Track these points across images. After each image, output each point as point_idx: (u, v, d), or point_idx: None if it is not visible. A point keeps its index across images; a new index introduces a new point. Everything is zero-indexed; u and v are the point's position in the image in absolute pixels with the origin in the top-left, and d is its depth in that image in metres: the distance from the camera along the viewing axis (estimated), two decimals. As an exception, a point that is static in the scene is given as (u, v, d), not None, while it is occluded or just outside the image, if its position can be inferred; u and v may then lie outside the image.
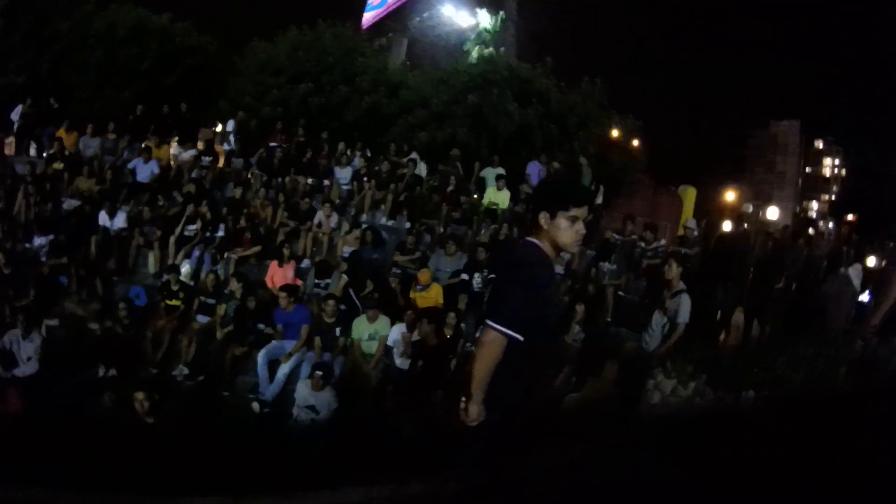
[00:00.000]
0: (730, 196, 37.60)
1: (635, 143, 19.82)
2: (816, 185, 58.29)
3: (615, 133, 18.35)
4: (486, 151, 14.90)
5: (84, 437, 5.62)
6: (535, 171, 14.08)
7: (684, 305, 7.11)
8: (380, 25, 20.21)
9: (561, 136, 15.86)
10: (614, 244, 11.21)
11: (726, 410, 6.27)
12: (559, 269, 10.80)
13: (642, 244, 11.32)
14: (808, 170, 58.77)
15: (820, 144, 59.65)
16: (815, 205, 55.96)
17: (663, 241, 11.90)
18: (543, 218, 2.83)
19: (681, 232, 13.26)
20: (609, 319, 9.55)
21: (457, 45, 21.41)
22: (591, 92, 17.16)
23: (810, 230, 16.49)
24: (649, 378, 6.58)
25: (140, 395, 6.28)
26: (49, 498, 4.21)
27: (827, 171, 59.67)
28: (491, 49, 20.15)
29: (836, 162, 59.07)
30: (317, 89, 15.92)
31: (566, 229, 2.80)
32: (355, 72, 16.46)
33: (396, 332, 8.82)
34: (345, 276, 10.09)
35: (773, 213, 37.52)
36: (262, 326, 8.99)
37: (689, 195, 20.01)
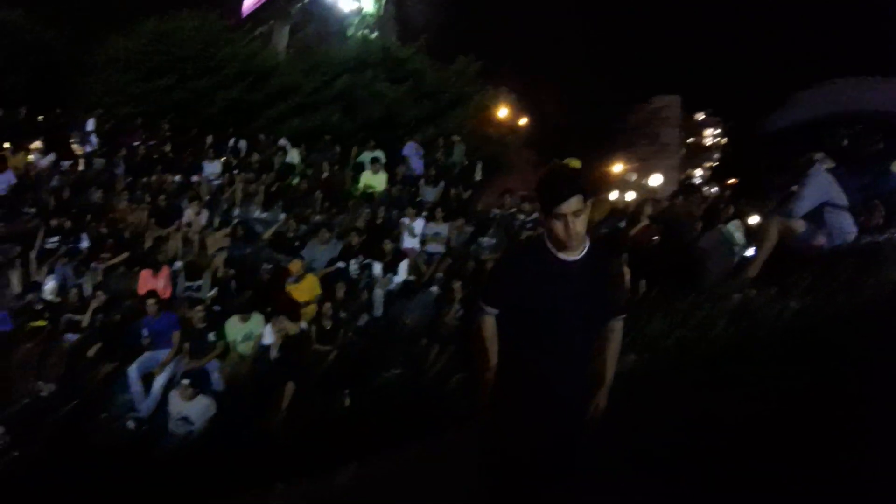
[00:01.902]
0: (617, 168, 39.33)
1: (518, 120, 20.30)
2: (698, 153, 61.83)
3: (493, 109, 18.71)
4: (361, 135, 14.96)
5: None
6: (411, 151, 14.25)
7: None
8: (260, 13, 19.73)
9: (434, 113, 16.06)
10: (492, 218, 11.57)
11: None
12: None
13: (521, 216, 11.72)
14: (689, 140, 62.10)
15: (701, 116, 63.02)
16: (699, 172, 59.38)
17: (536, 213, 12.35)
18: (542, 217, 2.99)
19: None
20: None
21: (340, 30, 21.18)
22: (466, 69, 17.37)
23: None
24: None
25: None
26: None
27: (708, 141, 63.25)
28: (375, 33, 20.08)
29: (717, 132, 62.64)
30: (177, 84, 15.41)
31: (556, 226, 2.84)
32: (220, 62, 16.01)
33: (269, 331, 8.84)
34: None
35: (655, 180, 39.59)
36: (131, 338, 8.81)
37: (573, 167, 20.76)
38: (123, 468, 6.35)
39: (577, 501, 3.13)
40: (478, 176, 14.42)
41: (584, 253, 2.95)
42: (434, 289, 10.08)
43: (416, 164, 14.14)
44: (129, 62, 15.93)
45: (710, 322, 6.81)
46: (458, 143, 14.02)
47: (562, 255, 2.94)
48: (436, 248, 11.29)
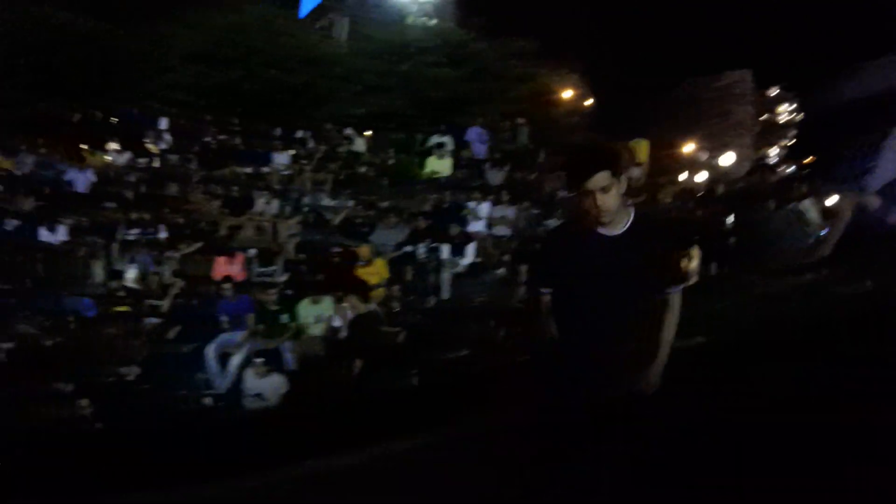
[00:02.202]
0: (687, 148, 38.08)
1: (582, 101, 20.06)
2: (772, 131, 58.89)
3: (556, 91, 18.53)
4: (424, 120, 15.04)
5: (39, 446, 5.78)
6: (475, 136, 14.25)
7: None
8: (321, 7, 20.05)
9: (497, 96, 16.03)
10: (558, 200, 11.48)
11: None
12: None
13: (629, 202, 11.57)
14: (763, 117, 59.30)
15: (774, 91, 60.19)
16: (773, 150, 56.37)
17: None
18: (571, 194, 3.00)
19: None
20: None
21: (398, 18, 21.34)
22: (527, 51, 17.25)
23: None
24: None
25: (84, 402, 6.44)
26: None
27: (782, 117, 60.29)
28: (434, 20, 20.18)
29: (791, 107, 59.64)
30: (247, 75, 15.77)
31: (584, 203, 2.83)
32: (285, 53, 16.32)
33: (342, 312, 8.99)
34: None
35: (727, 159, 38.16)
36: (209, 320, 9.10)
37: (642, 148, 20.28)
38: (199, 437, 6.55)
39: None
40: (541, 158, 14.29)
41: (626, 227, 2.91)
42: (501, 270, 10.07)
43: (480, 148, 14.13)
44: (200, 56, 16.32)
45: (782, 300, 6.66)
46: (523, 126, 13.94)
47: (602, 231, 2.90)
48: (502, 230, 11.27)
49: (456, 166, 13.26)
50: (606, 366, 2.92)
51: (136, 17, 18.15)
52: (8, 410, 7.40)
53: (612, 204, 2.80)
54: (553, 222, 10.92)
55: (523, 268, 9.13)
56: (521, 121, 14.26)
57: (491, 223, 11.41)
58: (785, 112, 59.88)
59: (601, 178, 2.76)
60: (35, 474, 5.12)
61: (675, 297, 2.98)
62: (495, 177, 13.15)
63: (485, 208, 11.55)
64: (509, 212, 11.45)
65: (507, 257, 10.55)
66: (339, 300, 9.00)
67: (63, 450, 5.91)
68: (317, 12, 20.22)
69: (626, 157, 3.11)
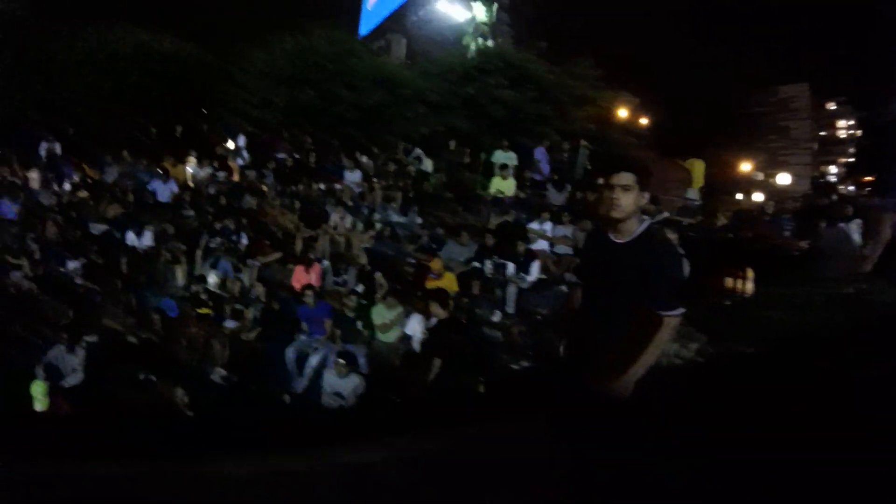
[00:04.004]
0: (745, 167, 37.18)
1: (638, 120, 20.19)
2: (831, 147, 56.13)
3: (613, 110, 18.74)
4: (486, 140, 15.40)
5: (131, 426, 6.15)
6: (541, 155, 14.56)
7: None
8: (378, 28, 20.74)
9: (556, 117, 16.33)
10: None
11: (723, 367, 6.51)
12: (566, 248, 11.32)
13: (646, 216, 11.72)
14: (821, 133, 56.62)
15: (832, 106, 57.72)
16: (832, 168, 53.83)
17: (666, 213, 12.32)
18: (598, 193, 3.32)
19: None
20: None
21: (455, 39, 21.87)
22: (585, 72, 17.57)
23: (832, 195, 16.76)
24: None
25: (179, 391, 6.83)
26: (110, 469, 4.68)
27: (842, 133, 57.81)
28: (490, 41, 20.64)
29: (851, 123, 57.03)
30: (317, 94, 16.39)
31: (604, 197, 3.14)
32: (353, 74, 16.92)
33: (414, 322, 9.29)
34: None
35: (784, 178, 37.10)
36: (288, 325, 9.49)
37: (697, 167, 20.32)
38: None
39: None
40: (601, 179, 14.39)
41: (632, 237, 3.13)
42: (563, 287, 10.28)
43: (545, 168, 14.44)
44: (273, 75, 17.01)
45: (825, 310, 6.77)
46: (584, 146, 14.19)
47: (612, 237, 3.18)
48: (564, 249, 11.47)
49: (519, 186, 13.54)
50: (585, 368, 3.19)
51: (217, 40, 19.15)
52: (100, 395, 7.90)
53: (628, 205, 3.08)
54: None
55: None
56: (582, 142, 14.49)
57: (553, 242, 11.64)
58: (844, 127, 57.42)
59: (625, 177, 3.09)
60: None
61: (671, 321, 3.07)
62: (557, 197, 13.39)
63: (547, 227, 11.79)
64: (570, 231, 11.65)
65: (568, 275, 10.75)
66: (414, 308, 9.28)
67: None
68: (375, 32, 20.87)
69: (652, 173, 3.34)
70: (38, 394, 7.43)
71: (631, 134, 18.73)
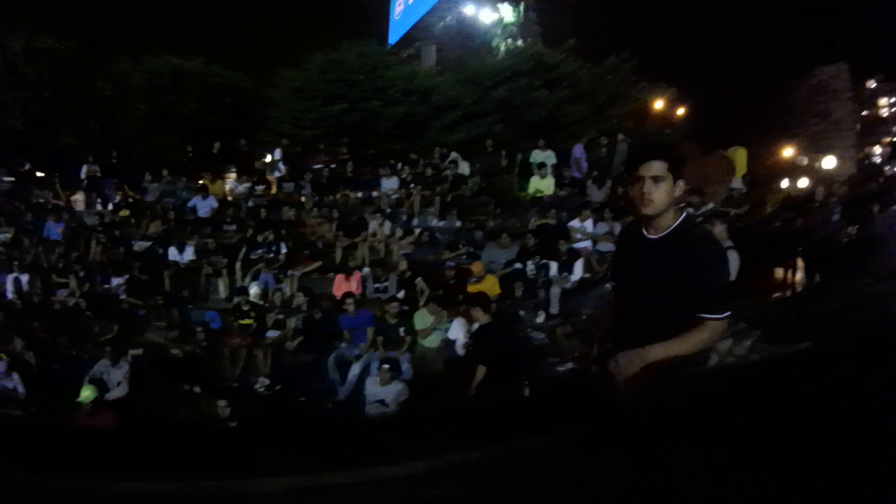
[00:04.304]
0: (786, 152, 35.98)
1: (676, 112, 19.76)
2: (875, 127, 54.09)
3: (651, 104, 18.34)
4: (522, 141, 15.20)
5: (172, 440, 6.09)
6: (580, 152, 14.30)
7: (731, 263, 7.22)
8: (407, 36, 20.78)
9: (593, 114, 16.06)
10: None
11: (778, 364, 6.21)
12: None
13: (690, 209, 11.40)
14: (864, 113, 54.59)
15: (872, 84, 55.75)
16: (878, 149, 51.75)
17: (711, 205, 11.92)
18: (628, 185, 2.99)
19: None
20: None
21: (484, 42, 21.77)
22: (619, 67, 17.24)
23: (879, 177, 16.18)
24: None
25: (221, 403, 6.79)
26: (144, 487, 4.62)
27: (884, 111, 55.80)
28: (519, 41, 20.45)
29: (893, 100, 55.07)
30: (350, 107, 16.40)
31: (634, 190, 2.81)
32: (384, 85, 16.90)
33: (456, 327, 9.13)
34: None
35: (829, 162, 35.66)
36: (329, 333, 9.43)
37: (740, 156, 19.64)
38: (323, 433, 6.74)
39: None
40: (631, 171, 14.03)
41: (667, 232, 2.81)
42: (608, 285, 9.98)
43: (584, 165, 14.16)
44: (305, 92, 17.10)
45: (885, 304, 6.43)
46: (622, 141, 13.88)
47: (645, 232, 2.88)
48: (607, 246, 11.18)
49: (558, 185, 13.29)
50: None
51: (249, 63, 19.48)
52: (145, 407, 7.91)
53: (659, 197, 2.75)
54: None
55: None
56: (620, 137, 14.19)
57: (596, 239, 11.35)
58: (886, 105, 55.13)
59: (655, 166, 2.76)
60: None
61: (711, 324, 2.69)
62: (597, 194, 13.10)
63: (589, 225, 11.52)
64: (613, 228, 11.35)
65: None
66: (456, 312, 9.12)
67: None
68: (404, 41, 20.91)
69: (686, 160, 3.09)
70: (86, 398, 7.49)
71: (669, 126, 18.30)
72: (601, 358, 3.04)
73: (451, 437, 5.53)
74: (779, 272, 10.05)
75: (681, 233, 2.79)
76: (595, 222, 11.59)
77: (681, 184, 2.81)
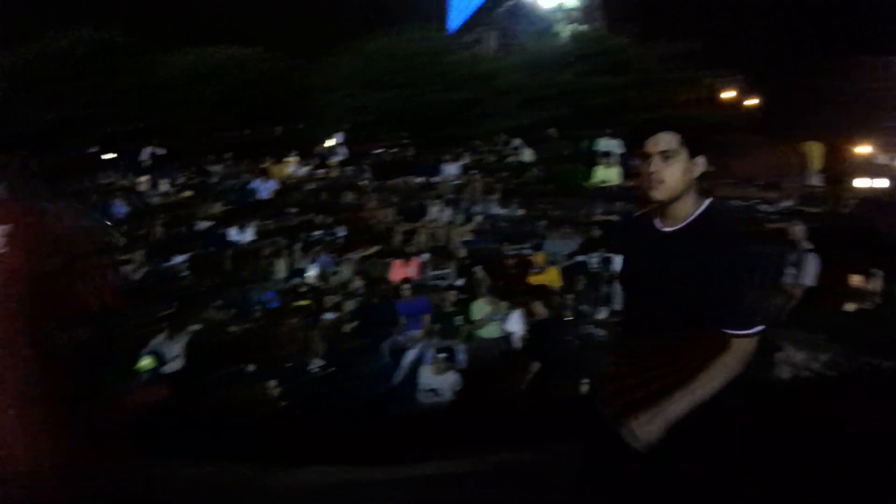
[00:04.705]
0: (863, 149, 34.19)
1: (745, 100, 18.94)
2: None
3: (716, 90, 17.56)
4: (586, 128, 14.77)
5: (223, 419, 6.04)
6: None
7: (810, 266, 6.78)
8: (468, 22, 20.59)
9: (657, 101, 15.47)
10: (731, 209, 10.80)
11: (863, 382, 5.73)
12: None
13: (762, 206, 10.86)
14: None
15: None
16: None
17: (788, 202, 11.31)
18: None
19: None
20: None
21: (546, 27, 21.37)
22: (685, 52, 16.56)
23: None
24: (777, 351, 6.20)
25: (272, 383, 6.72)
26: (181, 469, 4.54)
27: None
28: (582, 26, 19.98)
29: None
30: (411, 92, 16.23)
31: (642, 170, 2.31)
32: (445, 70, 16.66)
33: (514, 319, 8.87)
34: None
35: None
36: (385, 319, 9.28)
37: (815, 151, 18.69)
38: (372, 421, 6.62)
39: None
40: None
41: (685, 224, 2.27)
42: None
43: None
44: (366, 77, 16.98)
45: None
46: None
47: (658, 224, 2.34)
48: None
49: (623, 175, 12.81)
50: (614, 395, 2.31)
51: (311, 50, 19.56)
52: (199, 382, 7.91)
53: (671, 178, 2.24)
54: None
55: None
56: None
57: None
58: None
59: (663, 139, 2.25)
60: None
61: (740, 344, 2.17)
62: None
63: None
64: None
65: None
66: (515, 304, 8.86)
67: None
68: (465, 27, 20.70)
69: (706, 133, 2.53)
70: (145, 366, 7.54)
71: (738, 116, 17.48)
72: (605, 393, 2.40)
73: (503, 434, 5.31)
74: (856, 278, 9.47)
75: (703, 224, 2.25)
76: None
77: (700, 161, 2.30)
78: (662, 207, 2.31)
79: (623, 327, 2.54)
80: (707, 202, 2.30)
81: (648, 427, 2.12)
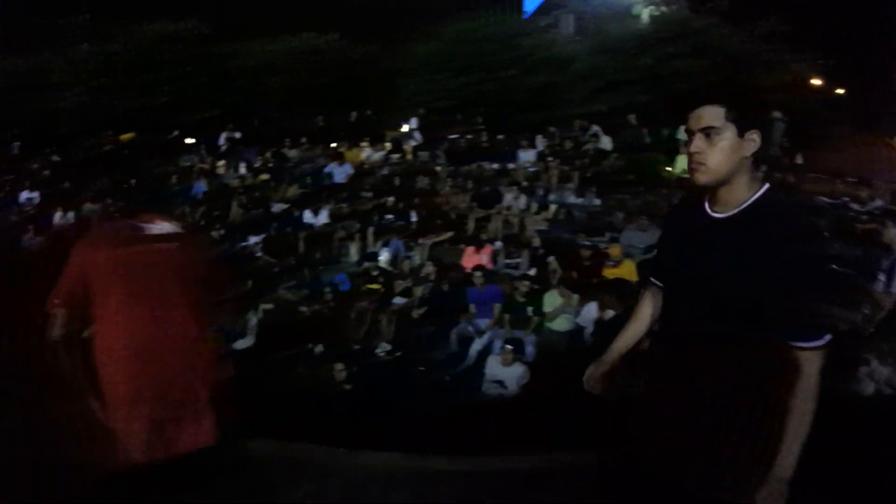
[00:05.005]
0: None
1: (837, 90, 17.79)
2: None
3: (806, 77, 16.40)
4: (667, 114, 14.17)
5: (289, 399, 6.05)
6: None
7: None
8: (543, 5, 20.16)
9: (746, 86, 14.65)
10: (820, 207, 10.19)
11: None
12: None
13: (856, 205, 10.19)
14: None
15: None
16: None
17: (880, 202, 10.55)
18: None
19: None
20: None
21: (624, 9, 20.67)
22: (771, 34, 15.58)
23: None
24: (861, 365, 5.75)
25: (339, 366, 6.71)
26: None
27: None
28: (662, 7, 19.10)
29: None
30: (486, 76, 15.95)
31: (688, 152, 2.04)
32: (522, 54, 16.29)
33: (588, 312, 8.60)
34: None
35: None
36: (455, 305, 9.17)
37: None
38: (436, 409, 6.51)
39: None
40: (798, 159, 12.70)
41: (739, 210, 1.96)
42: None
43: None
44: (441, 62, 16.79)
45: None
46: (778, 119, 12.60)
47: (709, 210, 2.03)
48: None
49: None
50: (670, 456, 2.01)
51: (387, 36, 19.61)
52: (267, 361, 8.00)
53: (716, 158, 1.94)
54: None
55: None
56: (776, 115, 12.85)
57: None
58: None
59: (708, 114, 1.95)
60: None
61: (811, 359, 1.85)
62: (751, 176, 11.96)
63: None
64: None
65: None
66: (589, 297, 8.59)
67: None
68: (540, 10, 20.25)
69: (762, 105, 2.20)
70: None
71: (831, 104, 16.38)
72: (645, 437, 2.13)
73: (568, 432, 5.11)
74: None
75: (761, 212, 1.93)
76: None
77: (753, 138, 1.97)
78: (713, 191, 2.02)
79: (662, 339, 2.19)
80: (765, 187, 1.98)
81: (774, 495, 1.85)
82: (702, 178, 1.98)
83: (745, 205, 1.96)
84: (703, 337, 1.96)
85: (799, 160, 12.70)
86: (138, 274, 3.05)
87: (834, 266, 1.90)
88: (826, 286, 1.85)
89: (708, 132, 1.95)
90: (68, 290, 3.02)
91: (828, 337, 1.85)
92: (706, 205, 2.05)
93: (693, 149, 1.98)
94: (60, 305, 3.01)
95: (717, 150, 1.94)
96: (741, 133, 1.95)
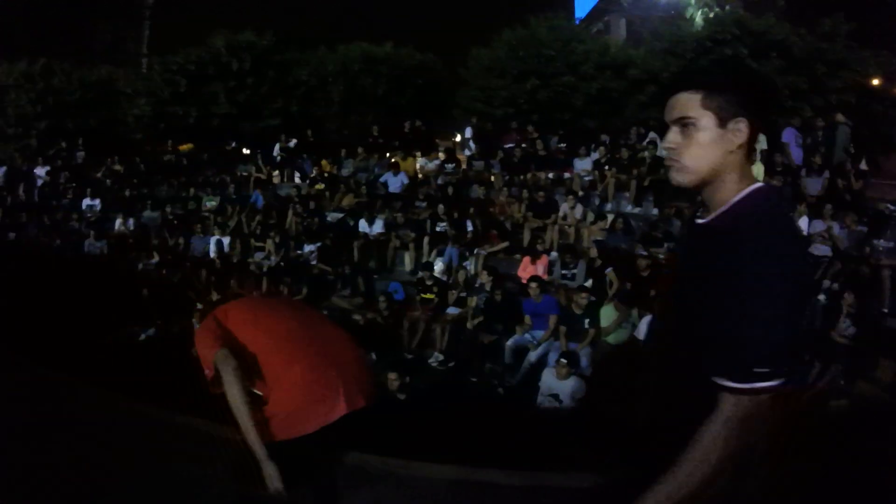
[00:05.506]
0: None
1: None
2: None
3: (873, 76, 15.53)
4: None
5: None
6: (791, 138, 12.62)
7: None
8: (594, 10, 19.86)
9: (810, 89, 14.07)
10: (890, 216, 9.71)
11: None
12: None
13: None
14: None
15: None
16: None
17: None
18: None
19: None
20: (885, 310, 8.35)
21: (677, 12, 20.18)
22: (839, 31, 14.86)
23: None
24: None
25: (392, 375, 6.69)
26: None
27: None
28: (716, 9, 18.52)
29: None
30: (542, 84, 15.74)
31: None
32: (577, 60, 16.03)
33: (646, 325, 8.37)
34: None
35: None
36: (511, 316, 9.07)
37: None
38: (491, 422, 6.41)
39: None
40: (863, 165, 12.10)
41: (714, 216, 1.68)
42: (821, 297, 8.65)
43: (797, 151, 12.42)
44: (496, 69, 16.66)
45: None
46: (842, 123, 12.03)
47: (697, 216, 1.78)
48: (822, 249, 9.74)
49: (768, 173, 11.78)
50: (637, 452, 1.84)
51: (441, 44, 19.63)
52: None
53: (691, 153, 1.66)
54: (883, 242, 9.17)
55: (849, 297, 7.83)
56: (840, 117, 12.27)
57: (810, 240, 9.87)
58: None
59: (682, 103, 1.67)
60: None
61: (732, 403, 1.52)
62: (813, 185, 11.46)
63: (803, 223, 10.09)
64: (833, 227, 9.84)
65: (827, 282, 9.03)
66: (647, 309, 8.36)
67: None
68: (592, 15, 19.91)
69: (756, 89, 1.94)
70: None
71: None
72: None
73: (624, 449, 4.94)
74: None
75: (738, 215, 1.63)
76: (810, 219, 10.18)
77: (740, 127, 1.65)
78: (709, 196, 1.72)
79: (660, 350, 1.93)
80: (751, 188, 1.65)
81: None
82: (677, 177, 1.71)
83: (723, 209, 1.67)
84: (680, 327, 1.73)
85: (863, 166, 12.14)
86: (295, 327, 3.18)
87: (792, 295, 1.51)
88: (774, 317, 1.49)
89: (683, 122, 1.68)
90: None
91: (767, 383, 1.50)
92: (701, 210, 1.79)
93: (666, 143, 1.72)
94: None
95: (693, 144, 1.66)
96: (722, 123, 1.65)
